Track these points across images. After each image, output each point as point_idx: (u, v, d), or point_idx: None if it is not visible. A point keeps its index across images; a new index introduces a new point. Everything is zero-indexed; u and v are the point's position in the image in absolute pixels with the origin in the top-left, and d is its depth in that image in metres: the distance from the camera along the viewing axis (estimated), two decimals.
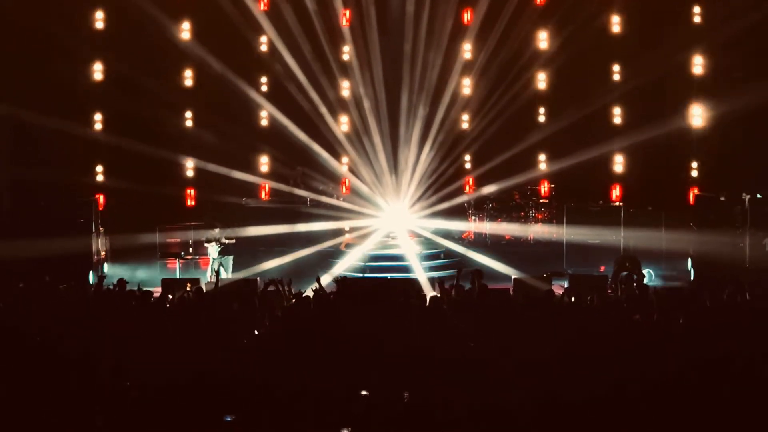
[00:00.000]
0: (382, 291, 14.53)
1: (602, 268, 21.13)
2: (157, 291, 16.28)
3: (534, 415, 8.72)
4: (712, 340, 11.42)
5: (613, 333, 11.70)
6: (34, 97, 22.60)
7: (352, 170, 25.53)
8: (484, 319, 12.52)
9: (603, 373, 10.16)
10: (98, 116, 25.07)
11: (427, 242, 23.66)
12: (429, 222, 24.41)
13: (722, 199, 21.01)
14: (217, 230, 21.03)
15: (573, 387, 9.43)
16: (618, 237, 21.80)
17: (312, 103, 24.86)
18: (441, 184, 25.10)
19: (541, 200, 25.31)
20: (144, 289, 15.10)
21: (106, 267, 21.96)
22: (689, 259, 20.98)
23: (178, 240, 22.55)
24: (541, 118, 25.56)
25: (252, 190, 25.44)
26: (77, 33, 23.96)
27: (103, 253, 22.02)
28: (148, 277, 21.00)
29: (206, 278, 20.21)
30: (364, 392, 9.72)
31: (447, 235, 24.27)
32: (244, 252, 22.06)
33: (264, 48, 25.36)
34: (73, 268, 19.61)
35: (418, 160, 24.80)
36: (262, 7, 24.98)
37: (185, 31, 25.08)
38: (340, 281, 15.59)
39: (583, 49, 24.26)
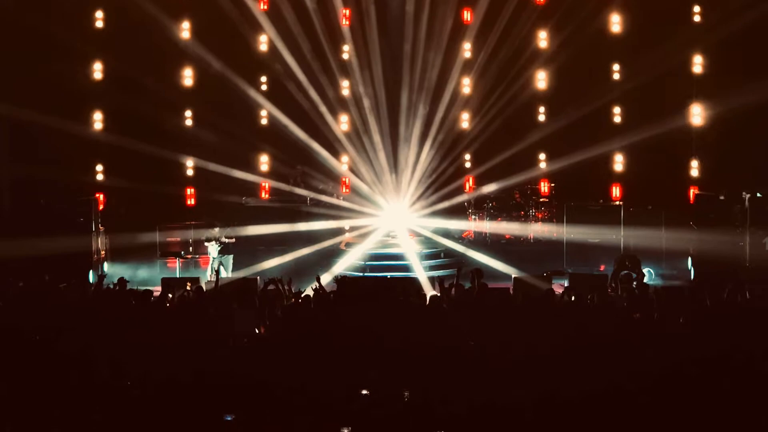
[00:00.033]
0: (382, 290, 14.53)
1: (602, 267, 21.12)
2: (157, 290, 16.29)
3: (534, 414, 8.72)
4: (711, 339, 11.43)
5: (613, 332, 11.71)
6: (34, 96, 22.57)
7: (352, 169, 25.53)
8: (484, 318, 12.52)
9: (603, 371, 10.16)
10: (98, 115, 25.07)
11: (427, 241, 23.65)
12: (429, 221, 24.40)
13: (722, 198, 21.00)
14: (216, 229, 21.03)
15: (573, 385, 9.43)
16: (618, 236, 21.79)
17: (312, 102, 24.86)
18: (441, 183, 25.10)
19: (541, 199, 25.31)
20: (144, 288, 15.11)
21: (105, 266, 21.96)
22: (689, 258, 20.98)
23: (178, 239, 22.55)
24: (541, 118, 25.58)
25: (252, 189, 25.45)
26: (77, 32, 23.93)
27: (102, 253, 22.02)
28: (148, 276, 21.02)
29: (206, 277, 20.20)
30: (364, 391, 9.72)
31: (447, 234, 24.27)
32: (244, 251, 22.06)
33: (264, 47, 25.36)
34: (73, 267, 19.57)
35: (418, 159, 24.79)
36: (262, 7, 24.98)
37: (185, 30, 25.09)
38: (339, 280, 15.59)
39: (583, 49, 24.26)
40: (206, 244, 21.11)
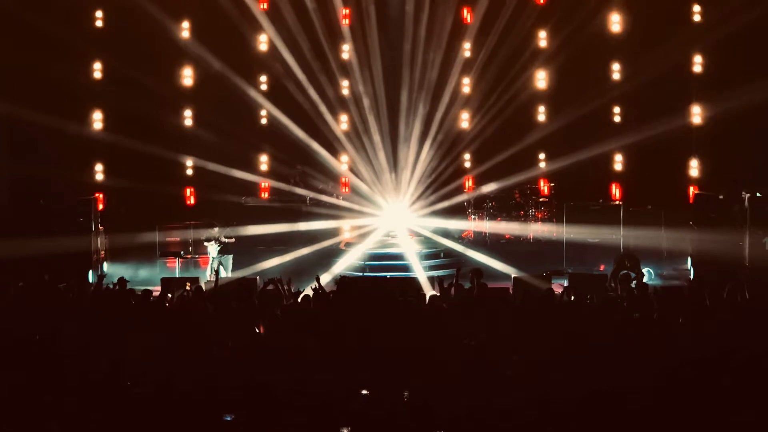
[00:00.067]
0: (381, 290, 14.52)
1: (602, 267, 21.12)
2: (156, 290, 16.29)
3: (534, 414, 8.72)
4: (711, 339, 11.43)
5: (612, 332, 11.71)
6: (34, 96, 22.58)
7: (352, 169, 25.53)
8: (484, 318, 12.52)
9: (602, 371, 10.17)
10: (98, 115, 25.06)
11: (427, 241, 23.65)
12: (429, 221, 24.39)
13: (721, 197, 21.01)
14: (216, 229, 21.02)
15: (572, 385, 9.43)
16: (618, 236, 21.79)
17: (311, 101, 24.84)
18: (441, 183, 25.10)
19: (541, 199, 25.31)
20: (144, 288, 15.11)
21: (105, 266, 21.95)
22: (689, 258, 20.98)
23: (178, 239, 22.55)
24: (541, 117, 25.59)
25: (252, 188, 25.45)
26: (77, 32, 23.93)
27: (102, 253, 22.02)
28: (148, 275, 21.01)
29: (206, 277, 20.20)
30: (364, 391, 9.72)
31: (447, 233, 24.27)
32: (243, 251, 22.05)
33: (264, 47, 25.36)
34: (73, 267, 19.55)
35: (417, 158, 24.78)
36: (261, 6, 24.97)
37: (185, 29, 25.08)
38: (339, 281, 15.57)
39: (582, 48, 24.26)
40: (206, 243, 21.10)
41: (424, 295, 14.93)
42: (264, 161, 25.88)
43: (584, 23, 24.14)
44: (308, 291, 14.52)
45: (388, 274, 20.08)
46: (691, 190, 24.06)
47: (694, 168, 24.63)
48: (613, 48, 24.82)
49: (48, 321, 12.32)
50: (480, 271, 15.59)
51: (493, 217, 25.07)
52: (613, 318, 12.63)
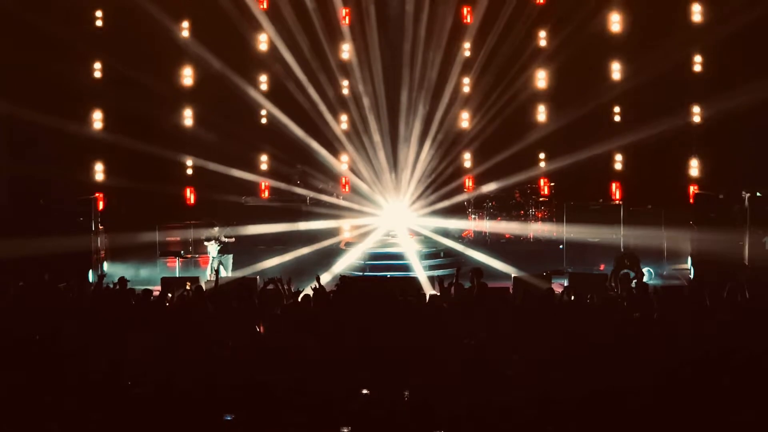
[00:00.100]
0: (381, 290, 14.52)
1: (602, 267, 21.11)
2: (156, 290, 16.29)
3: (534, 414, 8.71)
4: (711, 339, 11.43)
5: (612, 331, 11.71)
6: (34, 96, 22.58)
7: (352, 168, 25.53)
8: (484, 318, 12.52)
9: (602, 371, 10.17)
10: (98, 114, 25.07)
11: (427, 241, 23.65)
12: (429, 220, 24.39)
13: (721, 197, 21.01)
14: (216, 229, 21.01)
15: (573, 385, 9.43)
16: (618, 235, 21.78)
17: (311, 101, 24.84)
18: (441, 183, 25.09)
19: (541, 199, 25.31)
20: (143, 287, 15.11)
21: (105, 266, 21.95)
22: (689, 258, 20.98)
23: (178, 238, 22.53)
24: (541, 117, 25.59)
25: (252, 188, 25.44)
26: (77, 31, 23.93)
27: (102, 252, 22.01)
28: (148, 275, 21.01)
29: (206, 277, 20.19)
30: (364, 391, 9.72)
31: (447, 233, 24.26)
32: (243, 251, 22.05)
33: (264, 46, 25.37)
34: (73, 266, 19.54)
35: (417, 158, 24.77)
36: (261, 6, 24.96)
37: (185, 29, 25.09)
38: (341, 280, 15.57)
39: (582, 48, 24.27)
40: (206, 243, 21.09)
41: (424, 294, 14.93)
42: (264, 161, 25.88)
43: (584, 23, 24.14)
44: (308, 291, 14.52)
45: (388, 274, 20.08)
46: (691, 189, 24.07)
47: (694, 168, 24.65)
48: (613, 48, 24.83)
49: (48, 321, 12.31)
50: (480, 270, 15.58)
51: (493, 216, 25.07)
52: (613, 318, 12.62)
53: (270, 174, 25.76)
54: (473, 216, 25.27)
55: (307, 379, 9.90)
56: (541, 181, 25.48)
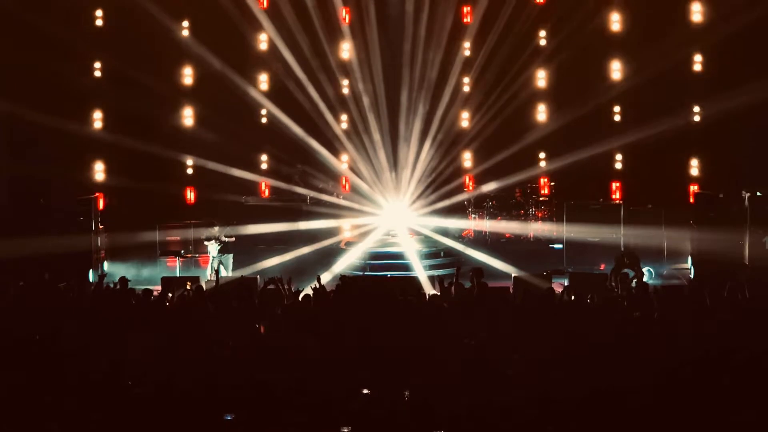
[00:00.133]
0: (381, 289, 14.52)
1: (602, 266, 21.12)
2: (156, 289, 16.29)
3: (534, 413, 8.71)
4: (711, 338, 11.43)
5: (612, 331, 11.71)
6: (34, 96, 22.59)
7: (352, 168, 25.53)
8: (484, 318, 12.51)
9: (602, 370, 10.17)
10: (98, 114, 25.08)
11: (427, 240, 23.65)
12: (429, 220, 24.39)
13: (721, 196, 21.01)
14: (216, 228, 21.02)
15: (573, 385, 9.43)
16: (618, 235, 21.78)
17: (311, 100, 24.84)
18: (441, 182, 25.09)
19: (541, 198, 25.31)
20: (144, 287, 15.11)
21: (106, 265, 21.95)
22: (689, 257, 20.98)
23: (178, 238, 22.54)
24: (541, 116, 25.59)
25: (252, 188, 25.44)
26: (77, 31, 23.94)
27: (102, 252, 22.01)
28: (148, 275, 21.01)
29: (206, 276, 20.20)
30: (364, 391, 9.72)
31: (447, 233, 24.25)
32: (244, 250, 22.05)
33: (264, 46, 25.37)
34: (73, 266, 19.55)
35: (418, 157, 24.77)
36: (261, 5, 24.97)
37: (185, 29, 25.09)
38: (341, 279, 15.57)
39: (582, 47, 24.27)
40: (206, 243, 21.10)
41: (425, 294, 14.92)
42: (264, 160, 25.89)
43: (584, 22, 24.15)
44: (308, 290, 14.52)
45: (389, 274, 20.08)
46: (692, 189, 24.07)
47: (694, 167, 24.65)
48: (612, 47, 24.83)
49: (48, 321, 12.31)
50: (480, 270, 15.58)
51: (493, 216, 25.07)
52: (614, 317, 12.62)
53: (270, 173, 25.76)
54: (473, 215, 25.27)
55: (307, 378, 9.90)
56: (542, 181, 25.48)
